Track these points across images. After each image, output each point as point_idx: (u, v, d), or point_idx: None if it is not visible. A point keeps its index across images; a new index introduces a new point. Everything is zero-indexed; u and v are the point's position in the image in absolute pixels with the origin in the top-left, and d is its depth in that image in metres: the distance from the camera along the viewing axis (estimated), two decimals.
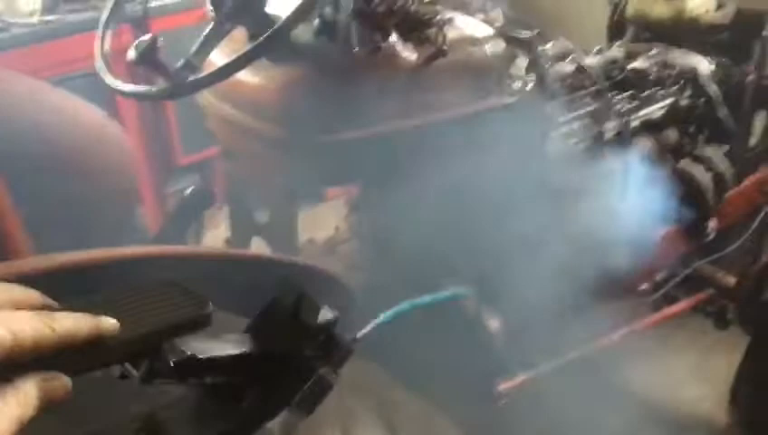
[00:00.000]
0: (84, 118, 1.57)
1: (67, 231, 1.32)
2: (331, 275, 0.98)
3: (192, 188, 1.56)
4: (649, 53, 2.04)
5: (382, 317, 0.70)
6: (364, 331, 0.68)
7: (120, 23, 2.77)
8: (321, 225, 1.94)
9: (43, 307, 0.52)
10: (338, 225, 1.80)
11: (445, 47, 1.35)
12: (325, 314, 0.66)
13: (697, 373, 2.49)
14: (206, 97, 1.41)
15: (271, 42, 1.11)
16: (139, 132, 3.06)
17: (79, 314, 0.52)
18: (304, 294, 0.67)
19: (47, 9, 2.82)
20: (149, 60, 1.06)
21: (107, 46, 1.28)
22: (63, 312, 0.52)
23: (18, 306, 0.50)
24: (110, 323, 0.53)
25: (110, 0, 1.35)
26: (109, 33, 1.30)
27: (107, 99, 2.82)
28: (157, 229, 2.17)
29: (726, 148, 2.03)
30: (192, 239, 1.62)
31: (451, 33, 1.38)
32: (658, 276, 2.18)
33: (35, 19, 2.73)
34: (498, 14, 1.70)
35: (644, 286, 2.15)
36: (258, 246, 1.60)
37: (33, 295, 0.53)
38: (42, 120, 1.39)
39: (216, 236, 1.76)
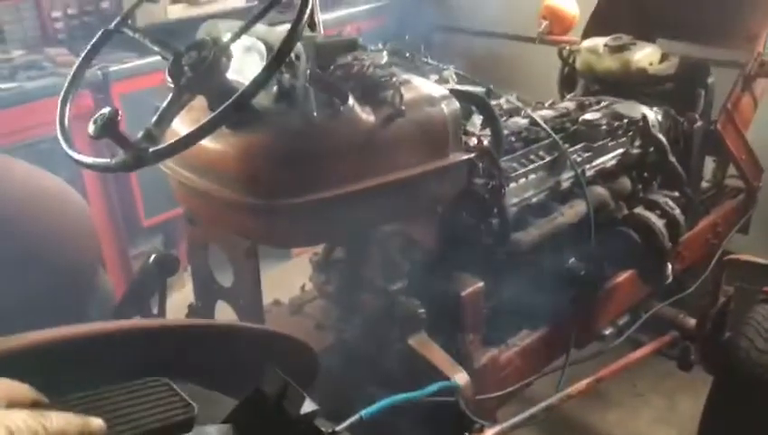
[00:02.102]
0: (45, 188, 1.56)
1: (31, 300, 1.31)
2: (294, 340, 0.98)
3: (155, 255, 1.56)
4: (599, 105, 2.11)
5: (363, 412, 0.70)
6: (344, 424, 0.68)
7: (80, 89, 2.79)
8: (287, 283, 1.95)
9: (34, 403, 0.55)
10: (304, 283, 1.81)
11: (402, 108, 1.38)
12: (308, 406, 0.67)
13: (664, 417, 2.52)
14: (167, 164, 1.42)
15: (231, 111, 1.13)
16: (102, 195, 3.05)
17: (70, 414, 0.56)
18: (289, 383, 0.68)
19: (6, 77, 2.83)
20: (109, 133, 1.07)
21: (66, 119, 1.29)
22: (55, 411, 0.55)
23: (12, 402, 0.53)
24: (97, 423, 0.57)
25: (69, 74, 1.36)
26: (68, 106, 1.31)
27: (70, 162, 2.83)
28: (121, 293, 2.16)
29: (677, 193, 2.09)
30: (156, 305, 1.61)
31: (407, 94, 1.42)
32: (621, 321, 2.22)
33: None
34: (451, 74, 1.76)
35: (607, 332, 2.19)
36: (223, 310, 1.60)
37: (26, 391, 0.56)
38: (3, 192, 1.38)
39: (180, 300, 1.75)
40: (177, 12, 3.20)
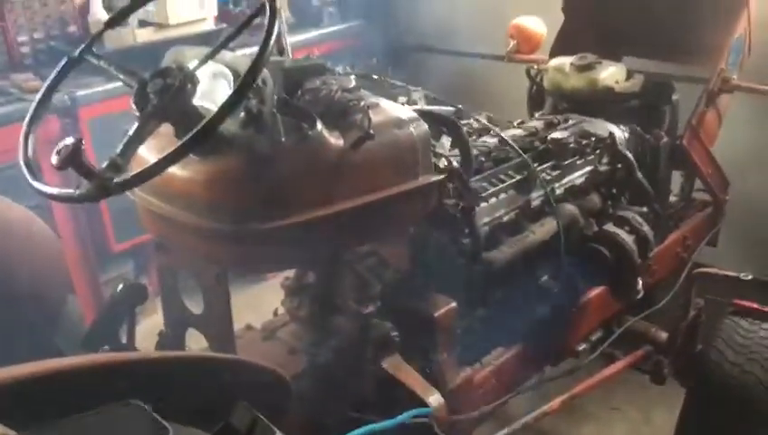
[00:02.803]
0: (10, 219, 1.54)
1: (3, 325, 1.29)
2: (266, 368, 0.97)
3: (123, 284, 1.54)
4: (567, 124, 2.14)
5: None
6: None
7: (46, 115, 2.76)
8: (260, 305, 1.93)
9: None
10: (276, 308, 1.79)
11: (370, 131, 1.38)
12: None
13: (639, 430, 2.53)
14: (134, 191, 1.41)
15: (198, 139, 1.13)
16: (71, 219, 3.01)
17: None
18: (258, 417, 0.67)
19: None
20: (72, 164, 1.06)
21: (30, 149, 1.27)
22: None
23: None
24: None
25: (32, 103, 1.34)
26: (31, 137, 1.29)
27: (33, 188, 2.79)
28: (92, 320, 2.13)
29: (645, 209, 2.12)
30: (125, 333, 1.59)
31: (376, 117, 1.42)
32: (594, 337, 2.24)
33: None
34: (420, 95, 1.77)
35: (581, 347, 2.20)
36: (193, 338, 1.58)
37: None
38: None
39: (150, 326, 1.72)
40: (145, 35, 3.19)
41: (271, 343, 1.67)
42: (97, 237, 3.21)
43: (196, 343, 1.62)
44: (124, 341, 1.59)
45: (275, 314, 1.80)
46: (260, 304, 1.96)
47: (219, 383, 0.94)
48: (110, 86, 2.96)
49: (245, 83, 1.15)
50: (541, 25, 2.87)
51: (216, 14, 3.53)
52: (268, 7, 1.19)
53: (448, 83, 3.57)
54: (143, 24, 3.25)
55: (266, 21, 1.18)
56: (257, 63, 1.15)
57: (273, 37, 1.17)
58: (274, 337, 1.70)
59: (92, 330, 1.56)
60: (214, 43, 1.31)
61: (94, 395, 0.77)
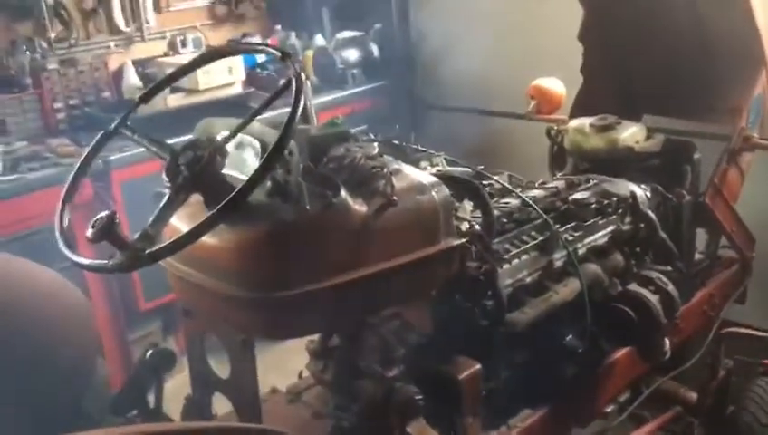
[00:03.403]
0: (43, 285, 1.59)
1: (31, 400, 1.32)
2: None
3: (151, 350, 1.57)
4: (588, 184, 2.16)
5: None
6: None
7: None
8: (284, 366, 1.94)
9: None
10: (301, 371, 1.80)
11: (393, 197, 1.42)
12: None
13: None
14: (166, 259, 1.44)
15: (227, 211, 1.17)
16: (102, 280, 3.07)
17: None
18: None
19: (8, 168, 2.90)
20: (107, 236, 1.10)
21: (65, 220, 1.32)
22: None
23: None
24: None
25: (69, 175, 1.40)
26: (67, 208, 1.35)
27: None
28: (119, 380, 2.15)
29: (670, 268, 2.11)
30: (152, 398, 1.61)
31: (398, 183, 1.45)
32: (622, 398, 2.21)
33: None
34: (441, 160, 1.80)
35: (609, 409, 2.17)
36: (219, 402, 1.60)
37: None
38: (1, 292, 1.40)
39: (178, 386, 1.74)
40: (176, 101, 3.31)
41: (296, 406, 1.68)
42: (126, 296, 3.27)
43: (222, 407, 1.64)
44: (152, 405, 1.61)
45: (300, 376, 1.82)
46: (284, 363, 1.97)
47: None
48: (142, 149, 3.05)
49: (273, 156, 1.19)
50: (560, 86, 2.92)
51: (243, 78, 3.65)
52: (294, 83, 1.25)
53: (471, 142, 3.62)
54: (174, 90, 3.37)
55: (293, 95, 1.23)
56: (284, 137, 1.20)
57: (299, 111, 1.22)
58: (300, 400, 1.71)
59: (121, 395, 1.59)
60: (243, 111, 1.37)
61: None
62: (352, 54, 4.14)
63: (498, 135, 3.79)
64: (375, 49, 4.24)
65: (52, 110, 3.44)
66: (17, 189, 2.82)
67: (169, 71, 1.63)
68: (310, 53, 4.23)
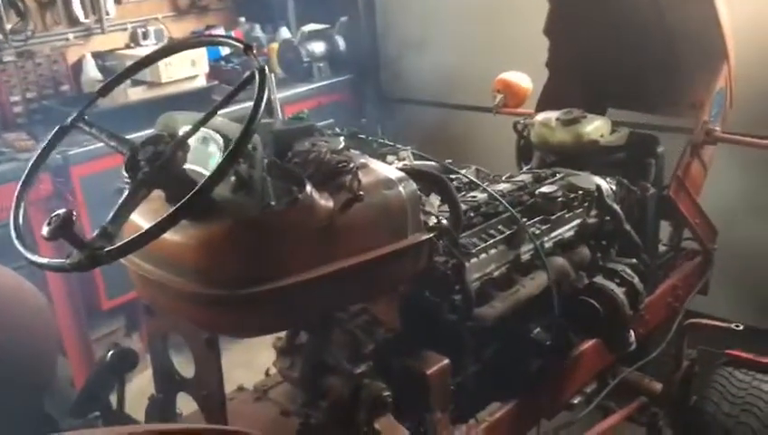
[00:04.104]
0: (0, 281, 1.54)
1: None
2: None
3: (112, 350, 1.53)
4: (554, 178, 2.17)
5: None
6: None
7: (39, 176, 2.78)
8: (249, 362, 1.91)
9: None
10: (268, 368, 1.78)
11: (360, 192, 1.40)
12: None
13: None
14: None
15: (190, 206, 1.14)
16: (62, 278, 3.00)
17: None
18: None
19: None
20: (63, 235, 1.07)
21: (21, 218, 1.28)
22: None
23: None
24: None
25: (24, 170, 1.36)
26: (22, 206, 1.30)
27: None
28: (82, 380, 2.10)
29: (635, 260, 2.13)
30: (114, 399, 1.57)
31: (365, 178, 1.43)
32: (588, 389, 2.23)
33: None
34: (408, 154, 1.79)
35: (576, 400, 2.19)
36: (183, 401, 1.57)
37: None
38: None
39: (140, 386, 1.71)
40: (137, 94, 3.24)
41: (263, 404, 1.65)
42: (87, 294, 3.20)
43: (186, 406, 1.61)
44: (114, 406, 1.57)
45: (267, 373, 1.79)
46: (251, 360, 1.95)
47: None
48: (101, 144, 2.98)
49: (236, 151, 1.17)
50: (526, 80, 2.92)
51: (207, 71, 3.59)
52: (258, 76, 1.22)
53: (438, 136, 3.62)
54: (136, 82, 3.30)
55: (256, 89, 1.21)
56: (247, 130, 1.17)
57: (263, 105, 1.19)
58: (266, 398, 1.68)
59: (81, 395, 1.54)
60: (206, 104, 1.33)
61: None
62: (318, 47, 4.10)
63: (465, 129, 3.79)
64: (341, 42, 4.21)
65: (8, 103, 3.35)
66: None
67: (130, 63, 1.59)
68: (275, 45, 4.18)
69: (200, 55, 3.50)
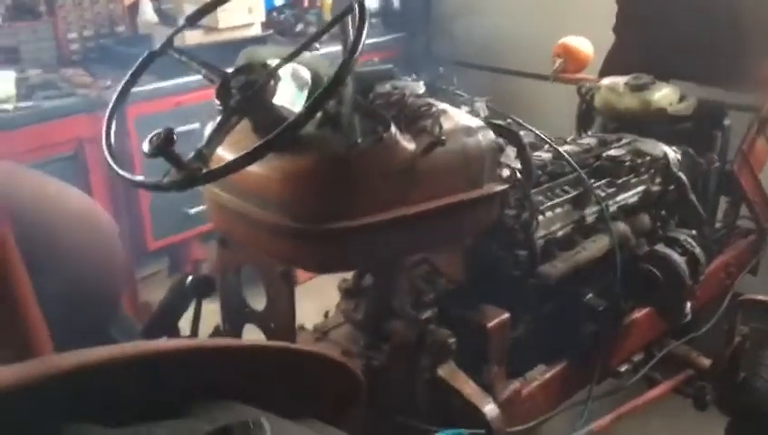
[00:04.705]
0: (74, 206, 1.56)
1: (62, 319, 1.30)
2: (340, 363, 0.97)
3: (192, 277, 1.55)
4: (621, 142, 2.14)
5: None
6: None
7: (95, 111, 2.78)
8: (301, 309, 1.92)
9: None
10: (328, 311, 1.80)
11: (442, 137, 1.39)
12: None
13: None
14: (206, 185, 1.42)
15: (282, 137, 1.14)
16: (112, 216, 3.04)
17: None
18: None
19: (23, 96, 2.83)
20: (164, 153, 1.08)
21: (112, 138, 1.29)
22: None
23: None
24: None
25: (114, 94, 1.37)
26: (113, 125, 1.31)
27: (79, 181, 2.81)
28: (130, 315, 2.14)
29: (694, 232, 2.11)
30: (185, 328, 1.59)
31: (446, 124, 1.43)
32: (636, 358, 2.22)
33: (11, 106, 2.73)
34: (482, 106, 1.77)
35: (623, 368, 2.19)
36: (251, 334, 1.59)
37: None
38: (37, 212, 1.37)
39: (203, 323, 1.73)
40: (195, 38, 3.22)
41: (324, 344, 1.67)
42: (135, 234, 3.24)
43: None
44: (185, 333, 1.60)
45: (326, 315, 1.81)
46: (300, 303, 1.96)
47: (296, 376, 0.94)
48: (157, 85, 3.00)
49: (334, 84, 1.16)
50: (588, 46, 2.88)
51: (263, 20, 3.57)
52: (357, 7, 1.21)
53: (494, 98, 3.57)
54: (194, 26, 3.29)
55: (356, 21, 1.20)
56: (346, 65, 1.17)
57: (363, 39, 1.19)
58: (327, 339, 1.70)
59: (152, 321, 1.57)
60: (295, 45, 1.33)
61: (178, 382, 0.76)
62: (372, 3, 4.06)
63: (516, 95, 3.74)
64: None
65: (66, 40, 3.36)
66: (33, 117, 2.75)
67: (188, 9, 1.58)
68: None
69: (257, 3, 3.47)
